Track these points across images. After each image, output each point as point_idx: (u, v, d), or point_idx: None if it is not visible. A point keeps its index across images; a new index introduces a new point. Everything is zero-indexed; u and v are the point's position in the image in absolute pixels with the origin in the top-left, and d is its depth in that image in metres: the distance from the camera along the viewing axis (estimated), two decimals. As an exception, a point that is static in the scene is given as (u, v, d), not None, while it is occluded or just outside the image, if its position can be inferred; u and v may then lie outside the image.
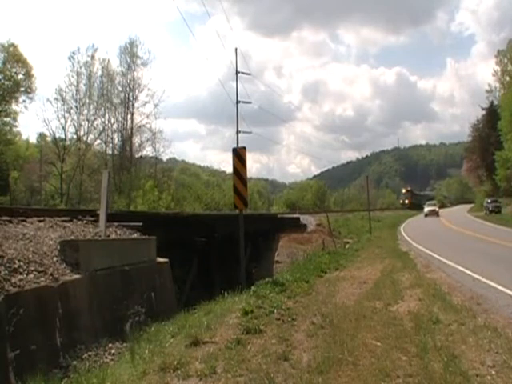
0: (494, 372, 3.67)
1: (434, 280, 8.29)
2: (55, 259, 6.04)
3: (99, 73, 43.80)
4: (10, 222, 7.25)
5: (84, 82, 42.51)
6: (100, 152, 45.26)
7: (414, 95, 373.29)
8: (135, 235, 9.24)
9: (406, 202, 76.13)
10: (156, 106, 44.42)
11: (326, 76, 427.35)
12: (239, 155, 9.18)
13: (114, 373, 4.31)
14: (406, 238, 20.51)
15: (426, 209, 45.02)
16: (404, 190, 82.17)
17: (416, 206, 70.71)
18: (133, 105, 44.55)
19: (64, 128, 41.38)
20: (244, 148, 9.48)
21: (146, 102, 44.43)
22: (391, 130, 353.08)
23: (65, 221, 8.42)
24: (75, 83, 41.93)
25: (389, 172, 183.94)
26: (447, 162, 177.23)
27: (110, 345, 5.83)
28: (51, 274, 5.56)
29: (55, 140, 41.91)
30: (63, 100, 41.14)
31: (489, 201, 42.04)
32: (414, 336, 4.68)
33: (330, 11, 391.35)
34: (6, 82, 38.43)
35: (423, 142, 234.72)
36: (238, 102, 31.34)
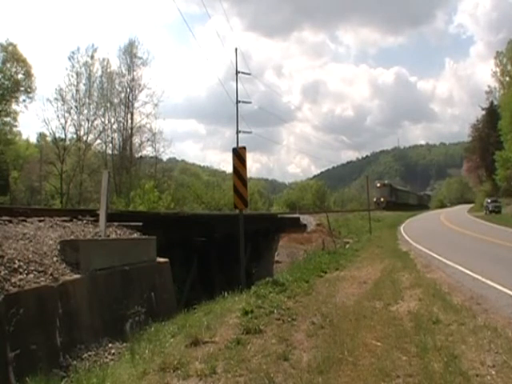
0: (493, 372, 3.67)
1: (433, 280, 8.29)
2: (55, 259, 6.04)
3: (99, 73, 43.99)
4: (10, 221, 7.24)
5: (84, 82, 42.70)
6: (100, 152, 45.37)
7: (414, 95, 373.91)
8: (135, 235, 9.23)
9: (382, 200, 53.95)
10: (156, 106, 44.56)
11: (325, 76, 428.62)
12: (239, 155, 9.17)
13: (114, 373, 4.32)
14: (406, 237, 20.49)
15: None
16: (378, 184, 57.62)
17: (397, 205, 54.54)
18: (133, 105, 44.69)
19: (64, 128, 41.52)
20: (244, 148, 9.47)
21: (145, 102, 44.61)
22: (391, 130, 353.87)
23: (65, 221, 8.42)
24: (75, 83, 42.08)
25: (389, 172, 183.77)
26: (447, 162, 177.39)
27: (110, 345, 5.83)
28: (51, 274, 5.56)
29: (55, 140, 41.95)
30: (63, 100, 41.27)
31: (489, 201, 42.11)
32: (414, 336, 4.68)
33: (329, 12, 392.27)
34: (6, 82, 38.48)
35: (423, 142, 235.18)
36: (237, 101, 31.31)
